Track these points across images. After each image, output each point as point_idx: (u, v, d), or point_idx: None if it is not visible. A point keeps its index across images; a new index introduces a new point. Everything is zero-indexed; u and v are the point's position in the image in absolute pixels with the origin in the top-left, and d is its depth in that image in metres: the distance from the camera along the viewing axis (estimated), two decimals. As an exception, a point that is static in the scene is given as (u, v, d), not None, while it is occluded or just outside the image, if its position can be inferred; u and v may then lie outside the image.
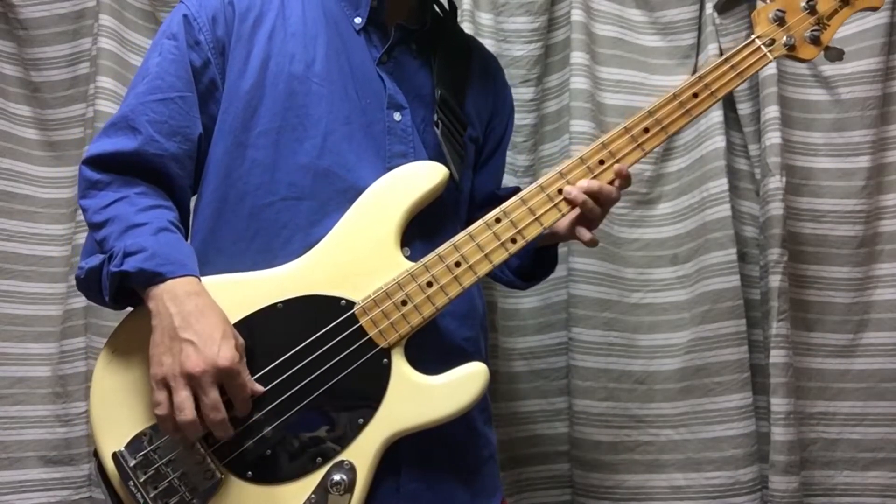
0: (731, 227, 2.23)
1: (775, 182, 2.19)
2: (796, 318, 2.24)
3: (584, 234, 1.54)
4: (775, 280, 2.17)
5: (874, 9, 1.64)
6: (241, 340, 1.33)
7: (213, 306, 1.32)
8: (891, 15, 2.25)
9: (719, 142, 2.25)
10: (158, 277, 1.30)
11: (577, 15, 2.32)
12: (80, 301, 2.21)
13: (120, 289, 1.33)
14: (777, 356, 2.15)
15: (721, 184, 2.24)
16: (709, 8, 2.32)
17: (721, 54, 2.26)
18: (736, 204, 2.29)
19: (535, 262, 1.78)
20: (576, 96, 2.29)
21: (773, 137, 2.21)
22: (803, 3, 1.59)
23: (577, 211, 1.49)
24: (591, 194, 1.48)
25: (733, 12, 2.32)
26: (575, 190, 1.47)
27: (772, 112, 2.22)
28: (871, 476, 2.23)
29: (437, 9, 1.70)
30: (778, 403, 2.14)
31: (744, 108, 2.32)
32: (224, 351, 1.27)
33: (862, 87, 2.28)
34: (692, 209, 2.30)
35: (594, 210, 1.49)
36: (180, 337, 1.27)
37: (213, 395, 1.26)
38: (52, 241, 2.34)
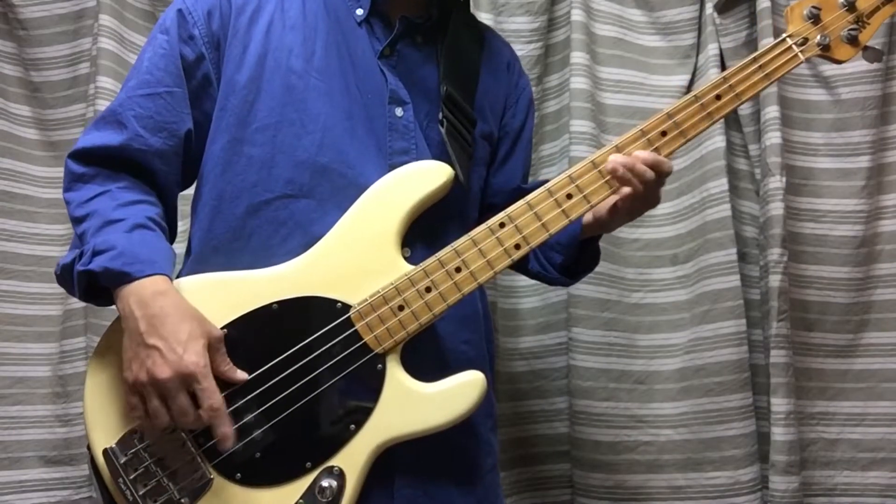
0: (731, 227, 2.22)
1: (775, 182, 2.18)
2: (796, 318, 2.23)
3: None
4: (775, 280, 2.17)
5: None
6: (218, 333, 1.32)
7: (179, 306, 1.30)
8: (890, 15, 2.24)
9: (719, 142, 2.24)
10: (126, 277, 1.30)
11: (577, 15, 2.31)
12: (81, 301, 2.21)
13: (92, 287, 1.34)
14: (777, 356, 2.15)
15: (721, 184, 2.23)
16: (709, 8, 2.32)
17: (721, 55, 2.28)
18: (736, 204, 2.29)
19: (579, 256, 1.70)
20: (576, 96, 2.28)
21: (773, 137, 2.20)
22: (842, 0, 1.50)
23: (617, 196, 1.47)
24: (630, 169, 1.41)
25: (733, 12, 2.31)
26: (615, 166, 1.42)
27: (772, 112, 2.21)
28: (871, 476, 2.23)
29: None
30: (778, 403, 2.13)
31: (744, 108, 2.31)
32: (189, 356, 1.25)
33: (862, 87, 2.27)
34: (692, 209, 2.30)
35: (635, 185, 1.43)
36: (146, 343, 1.26)
37: (179, 401, 1.26)
38: (52, 241, 2.34)
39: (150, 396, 1.26)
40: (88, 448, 1.37)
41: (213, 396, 1.27)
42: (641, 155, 1.42)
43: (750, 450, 2.17)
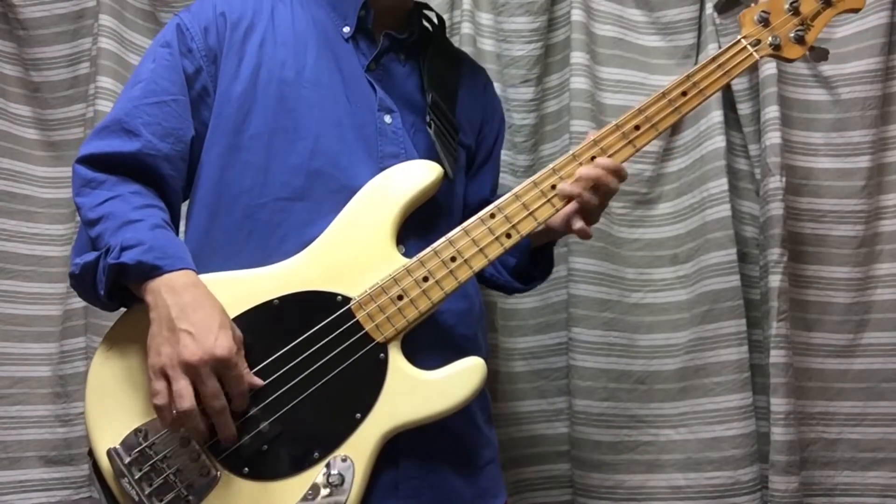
0: (731, 227, 2.22)
1: (775, 182, 2.19)
2: (796, 318, 2.23)
3: (577, 222, 1.54)
4: (775, 280, 2.17)
5: (855, 10, 1.69)
6: (239, 333, 1.33)
7: (210, 297, 1.33)
8: (891, 15, 2.25)
9: (719, 142, 2.24)
10: (156, 270, 1.31)
11: (577, 15, 2.31)
12: (80, 301, 2.19)
13: (115, 285, 1.34)
14: (777, 356, 2.15)
15: (721, 184, 2.23)
16: (709, 8, 2.32)
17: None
18: (736, 204, 2.29)
19: (531, 261, 1.78)
20: (576, 96, 2.28)
21: (773, 137, 2.20)
22: (787, 5, 1.64)
23: (573, 205, 1.51)
24: (589, 182, 1.49)
25: (733, 12, 2.31)
26: (569, 185, 1.49)
27: (772, 112, 2.21)
28: (871, 476, 2.23)
29: (427, 23, 1.73)
30: (778, 403, 2.13)
31: (744, 108, 2.31)
32: (221, 341, 1.28)
33: (862, 87, 2.27)
34: (692, 209, 2.30)
35: (591, 201, 1.51)
36: (178, 327, 1.27)
37: (211, 384, 1.27)
38: (52, 241, 2.34)
39: (176, 378, 1.27)
40: (90, 452, 1.37)
41: (243, 383, 1.31)
42: (603, 163, 1.52)
43: (750, 450, 2.17)
